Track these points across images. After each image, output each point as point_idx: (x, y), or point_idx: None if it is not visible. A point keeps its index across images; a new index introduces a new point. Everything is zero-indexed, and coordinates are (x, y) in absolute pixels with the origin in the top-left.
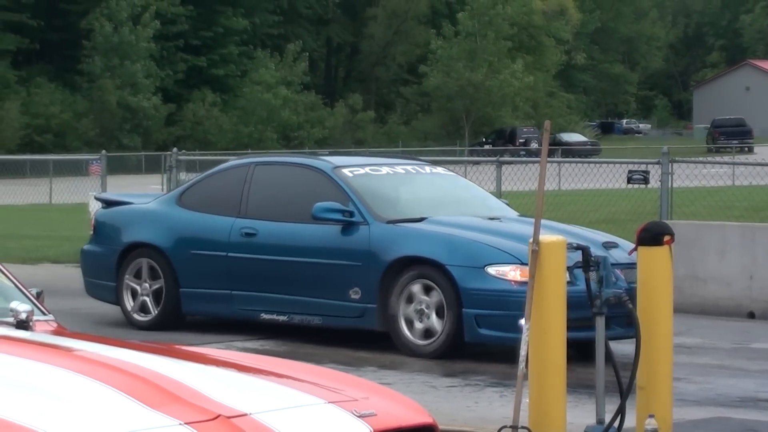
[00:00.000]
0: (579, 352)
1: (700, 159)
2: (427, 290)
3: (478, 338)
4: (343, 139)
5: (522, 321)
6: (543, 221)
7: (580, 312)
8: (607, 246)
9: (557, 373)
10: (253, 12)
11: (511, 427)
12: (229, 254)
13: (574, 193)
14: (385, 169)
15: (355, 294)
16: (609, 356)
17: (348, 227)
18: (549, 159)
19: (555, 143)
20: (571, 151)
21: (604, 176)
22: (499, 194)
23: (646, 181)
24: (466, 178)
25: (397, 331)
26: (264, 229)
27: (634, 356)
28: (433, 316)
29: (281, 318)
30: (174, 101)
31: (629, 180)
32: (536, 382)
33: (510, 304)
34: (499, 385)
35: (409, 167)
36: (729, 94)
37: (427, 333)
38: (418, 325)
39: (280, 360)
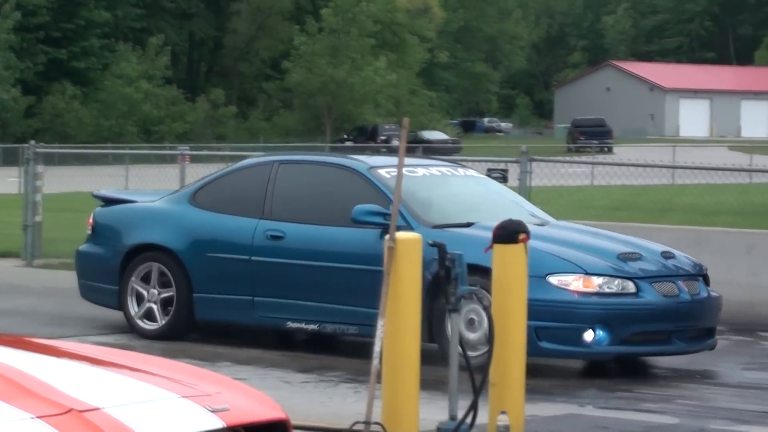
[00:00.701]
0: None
1: (559, 158)
2: (476, 299)
3: (538, 352)
4: (205, 134)
5: (587, 334)
6: (601, 231)
7: (657, 325)
8: (666, 256)
9: (411, 370)
10: (115, 5)
11: (364, 422)
12: (253, 258)
13: None
14: (420, 171)
15: None
16: (463, 353)
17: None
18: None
19: (416, 141)
20: (432, 149)
21: None
22: None
23: (504, 179)
24: None
25: (444, 342)
26: (292, 232)
27: (488, 353)
28: (485, 326)
29: (311, 327)
30: (33, 93)
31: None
32: (390, 378)
33: (573, 316)
34: (354, 381)
35: (443, 169)
36: (590, 94)
37: (477, 344)
38: (469, 336)
39: (135, 354)
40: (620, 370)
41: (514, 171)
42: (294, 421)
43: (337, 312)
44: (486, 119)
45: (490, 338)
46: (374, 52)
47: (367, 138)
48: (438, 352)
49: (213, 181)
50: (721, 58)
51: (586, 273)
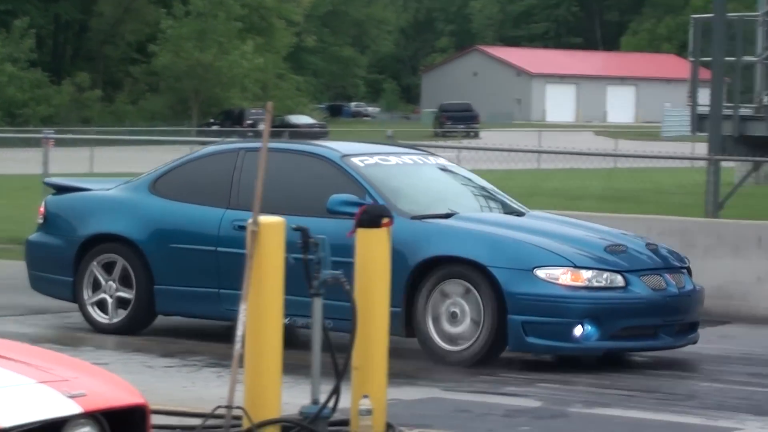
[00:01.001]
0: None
1: (424, 143)
2: (462, 293)
3: (524, 347)
4: (70, 118)
5: (576, 329)
6: (580, 221)
7: (645, 320)
8: (650, 248)
9: (273, 354)
10: None
11: (225, 406)
12: (219, 249)
13: None
14: (393, 159)
15: None
16: (325, 336)
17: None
18: (276, 141)
19: (283, 125)
20: (299, 133)
21: None
22: None
23: None
24: None
25: (425, 336)
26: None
27: (350, 337)
28: (467, 321)
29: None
30: None
31: None
32: (252, 362)
33: (563, 311)
34: (218, 365)
35: (415, 157)
36: (457, 79)
37: (459, 338)
38: (450, 330)
39: None
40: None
41: None
42: (155, 406)
43: (309, 305)
44: (353, 104)
45: (353, 322)
46: (241, 36)
47: (233, 122)
48: (419, 347)
49: (174, 169)
50: (588, 44)
51: (575, 266)
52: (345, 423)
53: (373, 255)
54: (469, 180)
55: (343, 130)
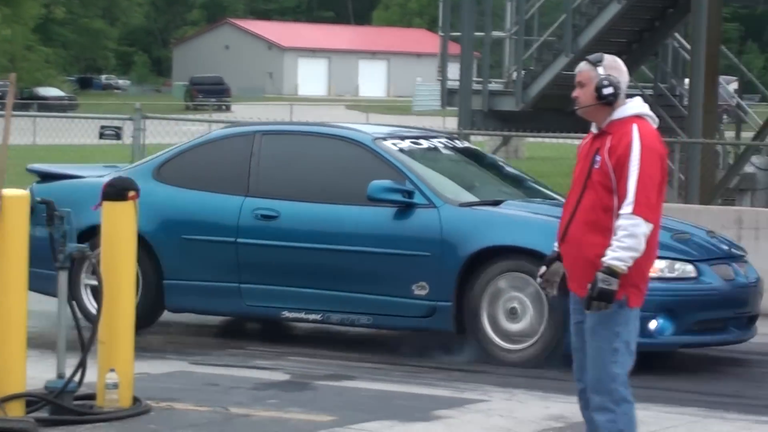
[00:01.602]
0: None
1: (174, 116)
2: (522, 287)
3: None
4: None
5: (651, 324)
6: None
7: (718, 312)
8: (711, 235)
9: (18, 329)
10: None
11: None
12: (239, 240)
13: (51, 148)
14: (423, 142)
15: (420, 289)
16: (72, 311)
17: (406, 210)
18: (23, 113)
19: (31, 97)
20: (47, 106)
21: (80, 131)
22: None
23: (118, 136)
24: None
25: (480, 333)
26: (288, 211)
27: (97, 311)
28: (529, 317)
29: (312, 316)
30: None
31: (101, 135)
32: None
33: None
34: None
35: (442, 139)
36: (209, 52)
37: (519, 336)
38: (509, 327)
39: None
40: (232, 329)
41: (128, 128)
42: None
43: (346, 300)
44: (104, 76)
45: (99, 296)
46: None
47: None
48: (473, 345)
49: (180, 154)
50: (340, 18)
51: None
52: (91, 397)
53: (118, 229)
54: (497, 164)
55: (92, 102)
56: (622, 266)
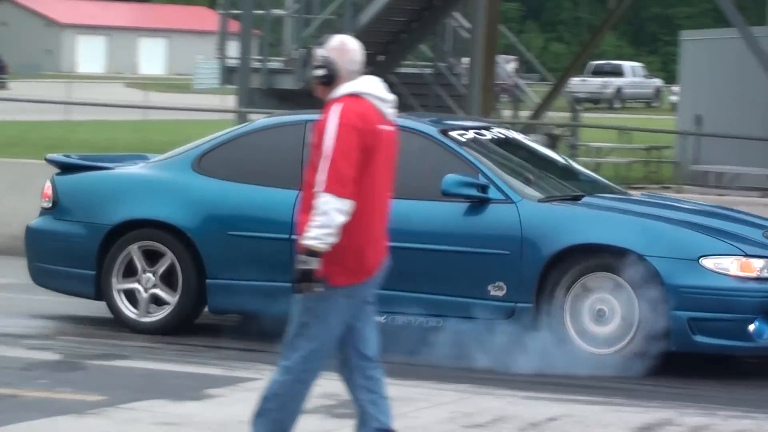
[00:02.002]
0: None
1: None
2: (610, 288)
3: (691, 346)
4: None
5: (750, 326)
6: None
7: None
8: None
9: None
10: None
11: None
12: (294, 237)
13: None
14: (486, 133)
15: (497, 290)
16: None
17: (480, 206)
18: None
19: None
20: None
21: None
22: None
23: None
24: None
25: (561, 337)
26: None
27: None
28: (618, 320)
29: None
30: None
31: None
32: None
33: (736, 306)
34: None
35: (501, 129)
36: None
37: (607, 340)
38: (595, 330)
39: None
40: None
41: None
42: None
43: (414, 301)
44: None
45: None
46: None
47: None
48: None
49: (222, 144)
50: None
51: (746, 255)
52: None
53: None
54: (550, 155)
55: None
56: (318, 244)
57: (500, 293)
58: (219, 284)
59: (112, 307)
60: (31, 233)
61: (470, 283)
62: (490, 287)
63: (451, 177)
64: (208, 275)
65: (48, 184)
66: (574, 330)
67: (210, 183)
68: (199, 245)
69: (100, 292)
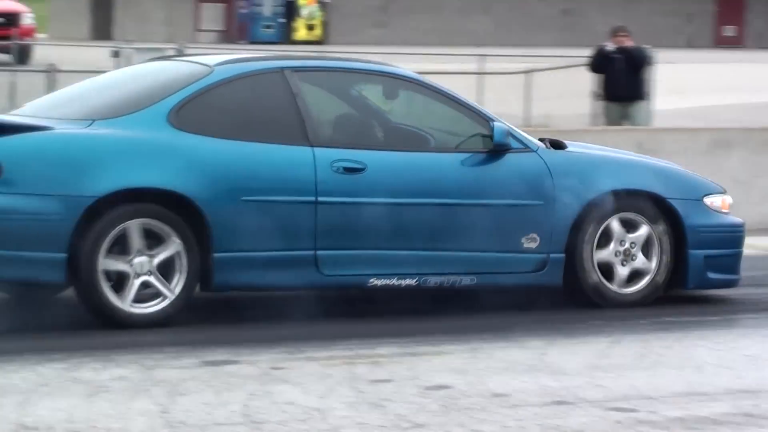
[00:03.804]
0: None
1: None
2: (631, 230)
3: (705, 283)
4: None
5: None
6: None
7: None
8: None
9: None
10: None
11: None
12: (320, 199)
13: None
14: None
15: (530, 242)
16: None
17: (503, 156)
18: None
19: None
20: None
21: None
22: None
23: None
24: None
25: (592, 283)
26: (376, 163)
27: None
28: (640, 256)
29: (406, 282)
30: None
31: None
32: None
33: (737, 241)
34: None
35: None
36: None
37: (631, 278)
38: (622, 271)
39: None
40: None
41: None
42: None
43: (445, 260)
44: None
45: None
46: None
47: None
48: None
49: (197, 96)
50: None
51: (723, 192)
52: None
53: None
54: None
55: None
56: None
57: (534, 245)
58: (228, 258)
59: (90, 293)
60: None
61: (503, 237)
62: (523, 240)
63: (501, 127)
64: (215, 248)
65: None
66: (600, 273)
67: (205, 142)
68: (207, 215)
69: (73, 277)
